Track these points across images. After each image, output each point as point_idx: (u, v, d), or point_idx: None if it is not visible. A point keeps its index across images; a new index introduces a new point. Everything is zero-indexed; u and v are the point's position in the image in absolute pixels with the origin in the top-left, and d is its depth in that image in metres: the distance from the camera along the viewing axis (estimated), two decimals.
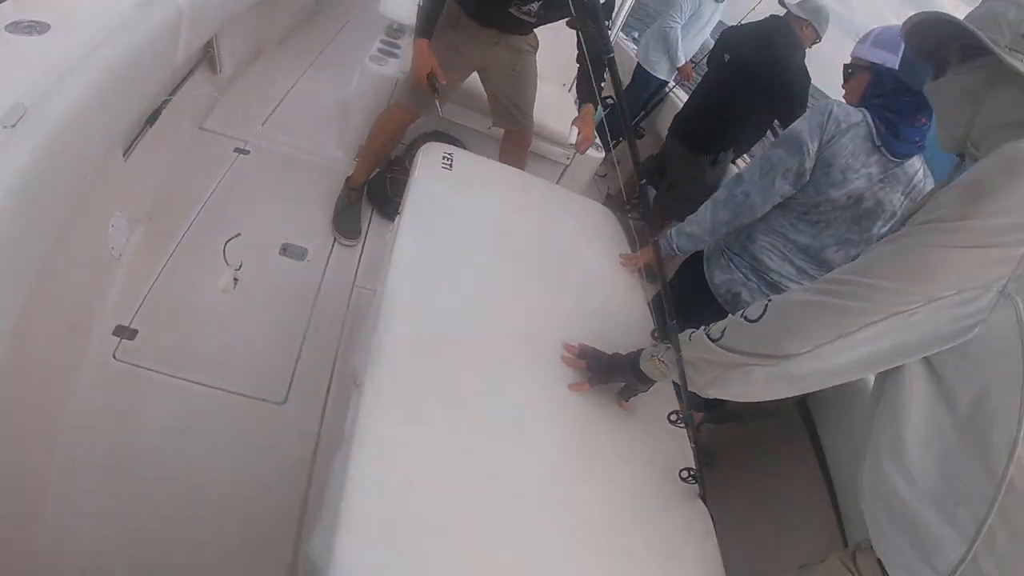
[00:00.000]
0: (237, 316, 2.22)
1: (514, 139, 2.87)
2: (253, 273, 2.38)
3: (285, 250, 2.54)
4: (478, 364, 1.30)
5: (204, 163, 2.78)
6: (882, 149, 1.77)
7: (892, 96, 1.77)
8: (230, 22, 2.80)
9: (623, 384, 1.37)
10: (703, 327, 1.14)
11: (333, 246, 2.68)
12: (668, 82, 4.35)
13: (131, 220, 2.22)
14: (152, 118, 2.44)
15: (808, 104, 3.10)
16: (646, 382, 1.31)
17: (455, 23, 2.50)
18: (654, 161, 3.73)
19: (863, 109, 1.79)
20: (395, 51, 3.24)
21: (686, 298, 1.97)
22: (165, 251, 2.31)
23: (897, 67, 1.76)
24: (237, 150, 2.91)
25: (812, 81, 3.10)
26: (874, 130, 1.76)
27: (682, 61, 4.26)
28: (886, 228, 1.82)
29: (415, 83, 2.50)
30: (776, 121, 3.23)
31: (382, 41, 3.29)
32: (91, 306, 1.99)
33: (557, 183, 3.36)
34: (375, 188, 2.95)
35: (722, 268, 2.00)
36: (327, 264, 2.59)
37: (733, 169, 3.40)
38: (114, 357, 1.93)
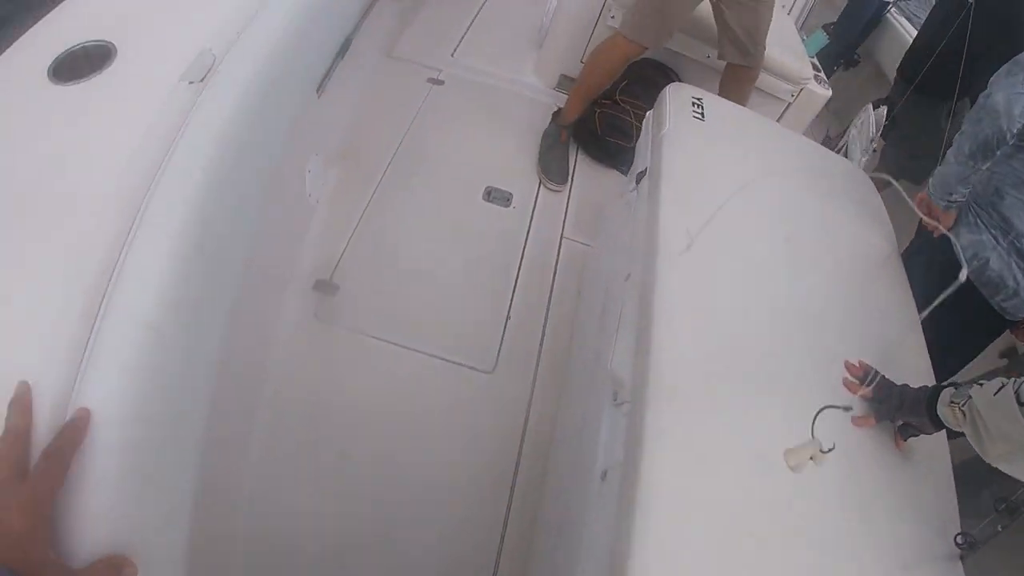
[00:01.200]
0: (441, 269, 2.08)
1: (741, 74, 2.51)
2: (457, 220, 2.23)
3: (489, 195, 2.37)
4: (765, 393, 1.13)
5: (397, 95, 2.61)
6: None
7: None
8: None
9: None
10: (1015, 380, 0.93)
11: (539, 190, 2.48)
12: (888, 2, 3.76)
13: (326, 163, 2.09)
14: (343, 49, 2.30)
15: None
16: (939, 427, 1.10)
17: None
18: (882, 106, 3.25)
19: None
20: None
21: (930, 261, 1.69)
22: (363, 196, 2.18)
23: None
24: (431, 80, 2.72)
25: None
26: None
27: None
28: None
29: (649, 5, 2.21)
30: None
31: None
32: (291, 260, 1.89)
33: (778, 120, 2.99)
34: (581, 124, 2.67)
35: (969, 226, 1.70)
36: (533, 211, 2.39)
37: None
38: (315, 316, 1.83)
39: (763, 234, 1.43)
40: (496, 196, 2.38)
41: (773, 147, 1.77)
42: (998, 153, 1.58)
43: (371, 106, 2.46)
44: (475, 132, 2.58)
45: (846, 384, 1.20)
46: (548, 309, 2.10)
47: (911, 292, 1.52)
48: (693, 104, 1.69)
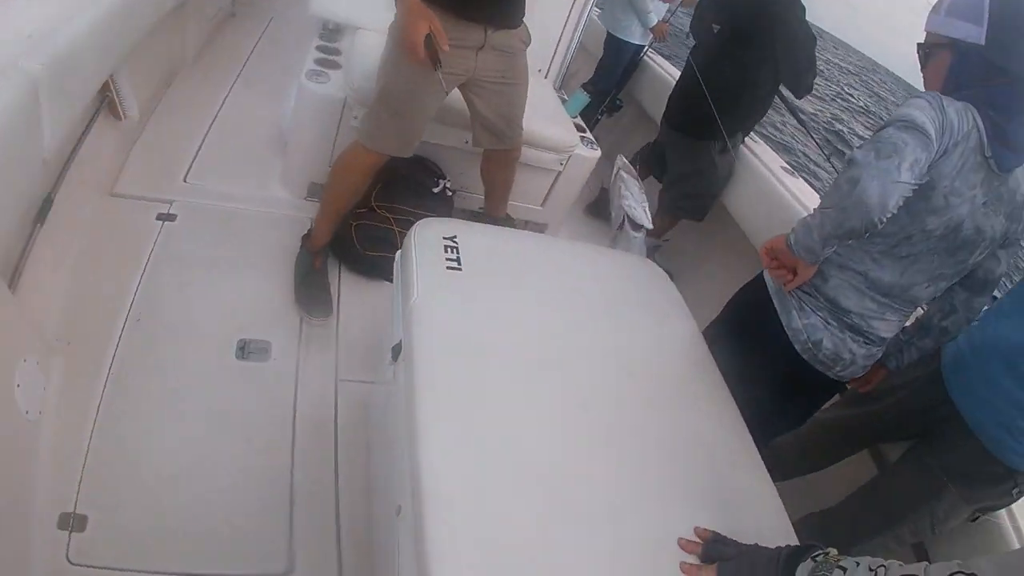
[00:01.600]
0: (202, 464, 1.73)
1: (500, 156, 2.39)
2: (210, 394, 1.88)
3: (243, 350, 2.03)
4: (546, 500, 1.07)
5: (122, 244, 2.20)
6: (991, 162, 1.41)
7: (985, 85, 1.39)
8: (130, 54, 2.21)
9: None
10: (899, 566, 0.86)
11: (302, 329, 2.17)
12: (643, 46, 3.85)
13: (42, 361, 1.68)
14: (42, 214, 1.86)
15: (816, 64, 2.67)
16: None
17: None
18: (650, 149, 3.26)
19: (971, 108, 1.39)
20: (335, 58, 2.63)
21: (750, 336, 1.74)
22: (94, 390, 1.78)
23: (984, 42, 1.39)
24: (161, 216, 2.33)
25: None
26: (984, 137, 1.39)
27: (654, 21, 3.76)
28: (982, 256, 1.54)
29: (385, 110, 2.00)
30: (782, 86, 2.79)
31: (319, 48, 2.67)
32: (23, 498, 1.50)
33: (549, 190, 2.92)
34: (338, 240, 2.40)
35: (798, 310, 1.67)
36: (299, 358, 2.08)
37: (745, 152, 2.96)
38: (68, 560, 1.47)
39: (553, 374, 1.31)
40: (252, 350, 2.04)
41: (549, 267, 1.61)
42: None
43: (91, 267, 2.06)
44: (218, 272, 2.23)
45: (684, 570, 1.04)
46: (337, 475, 1.81)
47: (723, 382, 1.48)
48: (446, 249, 1.45)
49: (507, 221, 2.77)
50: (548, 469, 1.11)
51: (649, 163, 3.25)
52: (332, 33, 2.82)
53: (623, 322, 1.53)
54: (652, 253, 3.17)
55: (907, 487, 1.64)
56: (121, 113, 2.37)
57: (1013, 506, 1.61)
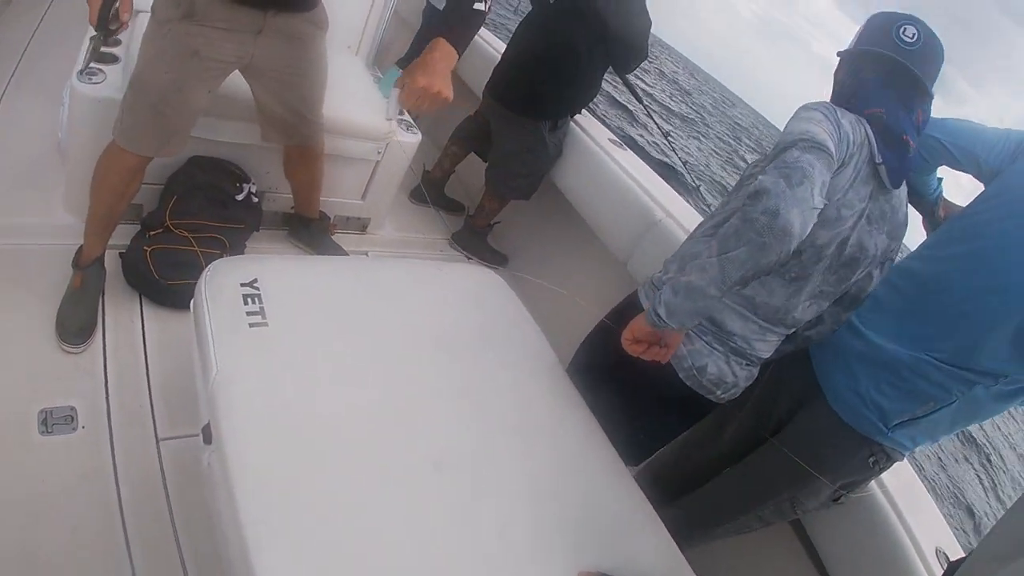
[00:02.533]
0: (27, 566, 1.51)
1: (301, 153, 2.21)
2: (17, 481, 1.63)
3: (45, 422, 1.77)
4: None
5: None
6: (880, 173, 1.43)
7: (867, 86, 1.45)
8: None
9: None
10: None
11: (107, 381, 1.91)
12: None
13: None
14: None
15: (647, 51, 2.71)
16: None
17: (189, 9, 1.69)
18: (471, 124, 3.13)
19: (862, 119, 1.43)
20: (114, 51, 2.24)
21: (625, 363, 1.52)
22: None
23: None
24: None
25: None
26: (875, 147, 1.41)
27: None
28: (863, 274, 1.55)
29: (141, 105, 1.77)
30: (610, 69, 2.79)
31: (92, 39, 2.24)
32: None
33: (369, 182, 2.74)
34: (133, 266, 2.13)
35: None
36: (111, 418, 1.84)
37: (573, 127, 2.92)
38: None
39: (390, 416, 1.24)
40: (55, 420, 1.79)
41: (374, 298, 1.49)
42: None
43: None
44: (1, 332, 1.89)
45: None
46: (181, 553, 1.65)
47: (582, 401, 1.47)
48: (245, 300, 1.28)
49: (321, 222, 2.59)
50: (412, 553, 1.03)
51: (471, 139, 3.15)
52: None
53: (467, 351, 1.45)
54: (484, 237, 3.12)
55: (764, 471, 1.70)
56: None
57: (883, 477, 1.66)
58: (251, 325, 1.24)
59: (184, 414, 1.90)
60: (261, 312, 1.26)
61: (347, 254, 2.69)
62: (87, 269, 1.99)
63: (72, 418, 1.80)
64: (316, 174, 2.29)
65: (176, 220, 2.14)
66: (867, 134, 1.40)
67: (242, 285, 1.30)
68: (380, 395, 1.26)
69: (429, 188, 3.29)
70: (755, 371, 1.66)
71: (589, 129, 2.91)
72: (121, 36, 2.27)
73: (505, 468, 1.25)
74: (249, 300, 1.27)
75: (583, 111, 2.98)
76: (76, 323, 1.95)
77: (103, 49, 2.13)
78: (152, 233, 2.12)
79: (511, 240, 3.32)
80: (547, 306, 2.69)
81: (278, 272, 1.39)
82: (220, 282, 1.31)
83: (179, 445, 1.85)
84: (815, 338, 1.67)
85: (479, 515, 1.15)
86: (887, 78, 1.44)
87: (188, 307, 2.10)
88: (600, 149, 2.79)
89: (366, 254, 2.85)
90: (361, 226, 2.92)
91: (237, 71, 1.91)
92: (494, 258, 3.21)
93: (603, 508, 1.27)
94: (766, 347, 1.63)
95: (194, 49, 1.73)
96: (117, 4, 1.46)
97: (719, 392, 1.62)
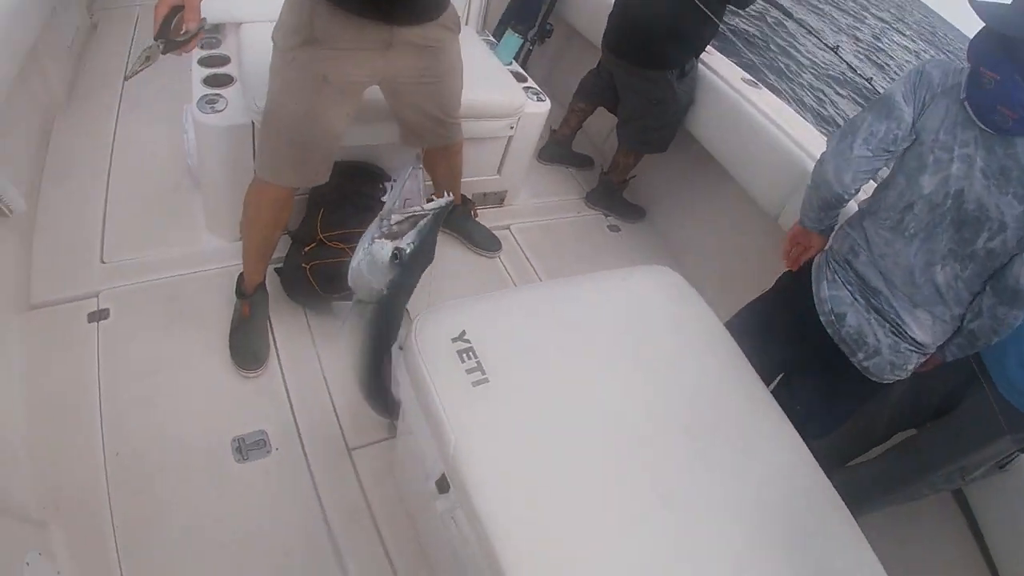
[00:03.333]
0: None
1: (443, 151, 2.14)
2: (223, 514, 1.69)
3: (240, 450, 1.83)
4: None
5: (61, 364, 1.89)
6: (974, 117, 1.38)
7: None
8: None
9: None
10: None
11: (291, 403, 1.95)
12: None
13: (44, 552, 1.45)
14: None
15: None
16: None
17: (309, 34, 1.59)
18: (594, 78, 2.95)
19: (966, 68, 1.42)
20: (224, 70, 2.20)
21: (788, 309, 1.81)
22: (106, 556, 1.56)
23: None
24: (92, 317, 2.01)
25: None
26: (963, 85, 1.40)
27: None
28: (994, 243, 1.43)
29: (280, 139, 1.73)
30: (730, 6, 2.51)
31: (201, 63, 2.21)
32: None
33: (503, 156, 2.68)
34: (295, 284, 2.14)
35: (828, 281, 1.68)
36: (301, 438, 1.89)
37: (704, 71, 2.70)
38: None
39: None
40: (250, 447, 1.85)
41: (573, 326, 1.42)
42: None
43: (40, 406, 1.77)
44: (180, 367, 1.97)
45: None
46: (388, 554, 1.70)
47: (772, 400, 1.43)
48: (461, 356, 1.24)
49: (465, 207, 2.56)
50: None
51: (596, 94, 2.97)
52: (211, 36, 2.33)
53: (671, 372, 1.40)
54: (620, 193, 2.99)
55: (938, 441, 1.79)
56: (5, 210, 1.98)
57: None
58: (474, 384, 1.21)
59: (369, 423, 1.93)
60: (479, 367, 1.21)
61: (493, 235, 2.66)
62: (253, 297, 2.02)
63: (264, 442, 1.85)
64: (456, 166, 2.22)
65: (328, 232, 2.12)
66: (962, 77, 1.41)
67: (453, 341, 1.26)
68: (604, 436, 1.23)
69: (558, 147, 3.18)
70: (904, 348, 1.58)
71: (719, 70, 2.68)
72: (227, 49, 2.26)
73: (721, 490, 1.23)
74: (464, 356, 1.23)
75: (710, 48, 2.75)
76: (251, 349, 2.00)
77: (214, 71, 2.14)
78: (307, 249, 2.11)
79: (648, 196, 3.17)
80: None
81: (482, 319, 1.32)
82: (431, 337, 1.26)
83: (369, 452, 1.89)
84: (978, 334, 1.54)
85: (711, 551, 1.15)
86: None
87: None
88: (735, 92, 2.56)
89: (508, 228, 2.81)
90: (499, 199, 2.87)
91: None
92: (631, 213, 3.09)
93: (817, 532, 1.25)
94: (917, 325, 1.56)
95: (323, 75, 1.64)
96: (180, 13, 1.36)
97: (860, 356, 1.62)
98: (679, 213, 3.02)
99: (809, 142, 2.30)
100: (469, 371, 1.22)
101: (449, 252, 2.58)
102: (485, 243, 2.64)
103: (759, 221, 2.49)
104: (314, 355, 2.09)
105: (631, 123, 2.80)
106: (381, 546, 1.71)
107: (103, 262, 2.16)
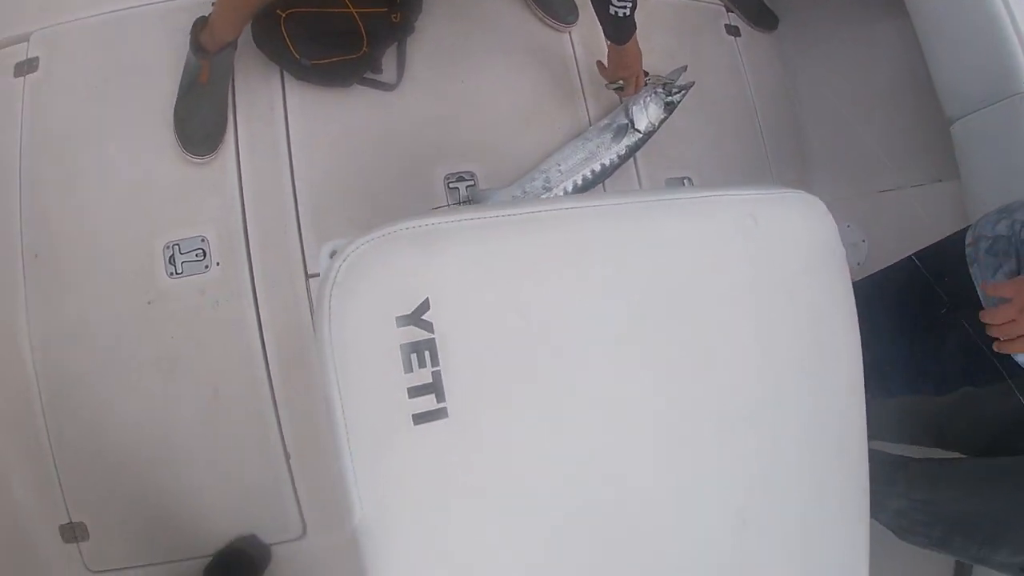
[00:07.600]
0: (172, 432, 1.44)
1: None
2: (148, 335, 1.45)
3: (173, 260, 1.48)
4: None
5: None
6: None
7: None
8: None
9: None
10: None
11: (242, 201, 1.53)
12: None
13: None
14: None
15: None
16: None
17: None
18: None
19: None
20: None
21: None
22: (25, 379, 1.43)
23: None
24: (20, 68, 1.57)
25: None
26: None
27: None
28: None
29: None
30: None
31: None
32: (17, 519, 1.41)
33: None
34: (264, 32, 1.53)
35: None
36: (249, 251, 1.50)
37: None
38: (88, 568, 1.41)
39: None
40: (184, 258, 1.49)
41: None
42: None
43: None
44: (110, 137, 1.53)
45: None
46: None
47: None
48: (410, 357, 0.61)
49: None
50: None
51: None
52: None
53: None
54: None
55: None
56: None
57: None
58: (416, 420, 0.62)
59: (338, 230, 1.51)
60: (435, 386, 0.63)
61: None
62: (216, 57, 1.45)
63: (204, 252, 1.48)
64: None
65: None
66: None
67: (401, 320, 0.62)
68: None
69: None
70: None
71: None
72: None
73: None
74: (415, 357, 0.62)
75: None
76: (203, 127, 1.52)
77: None
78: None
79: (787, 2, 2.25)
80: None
81: (472, 272, 0.67)
82: (359, 302, 0.63)
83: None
84: None
85: None
86: None
87: (339, 85, 1.60)
88: None
89: None
90: None
91: None
92: (763, 18, 2.24)
93: None
94: None
95: None
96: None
97: None
98: (812, 36, 2.12)
99: None
100: (415, 391, 0.65)
101: (501, 17, 1.80)
102: (557, 7, 1.83)
103: (923, 112, 1.65)
104: (284, 149, 1.58)
105: None
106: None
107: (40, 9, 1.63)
